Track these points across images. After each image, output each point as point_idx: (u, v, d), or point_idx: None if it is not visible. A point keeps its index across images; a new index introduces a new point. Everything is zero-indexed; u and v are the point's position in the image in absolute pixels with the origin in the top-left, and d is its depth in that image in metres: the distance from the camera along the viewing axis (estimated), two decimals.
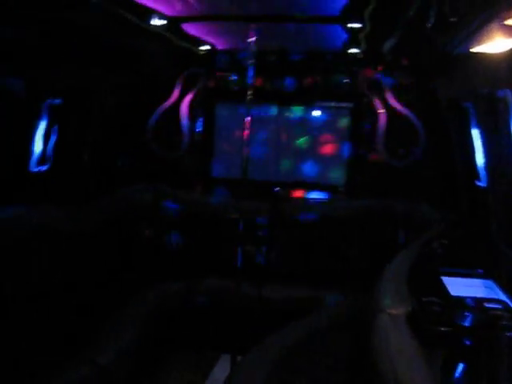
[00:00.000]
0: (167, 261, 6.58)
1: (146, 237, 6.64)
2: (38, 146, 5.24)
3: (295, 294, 6.15)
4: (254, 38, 5.37)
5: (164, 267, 6.43)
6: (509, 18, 2.39)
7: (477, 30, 2.71)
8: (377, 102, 6.80)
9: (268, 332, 4.62)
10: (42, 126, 5.21)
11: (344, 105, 7.04)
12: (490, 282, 3.82)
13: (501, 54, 3.14)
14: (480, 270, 4.02)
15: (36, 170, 5.30)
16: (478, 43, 3.00)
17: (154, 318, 5.68)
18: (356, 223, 6.58)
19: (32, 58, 4.75)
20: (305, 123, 7.18)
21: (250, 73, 5.57)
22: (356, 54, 6.10)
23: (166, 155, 7.26)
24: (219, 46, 6.41)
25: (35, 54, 4.74)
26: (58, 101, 5.33)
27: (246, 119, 5.69)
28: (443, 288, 3.62)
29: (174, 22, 5.11)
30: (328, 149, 7.12)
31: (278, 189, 7.27)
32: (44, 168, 5.39)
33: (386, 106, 6.78)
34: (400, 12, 3.62)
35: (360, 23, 4.55)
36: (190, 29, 5.52)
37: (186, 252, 6.70)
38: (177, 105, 7.18)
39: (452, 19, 2.67)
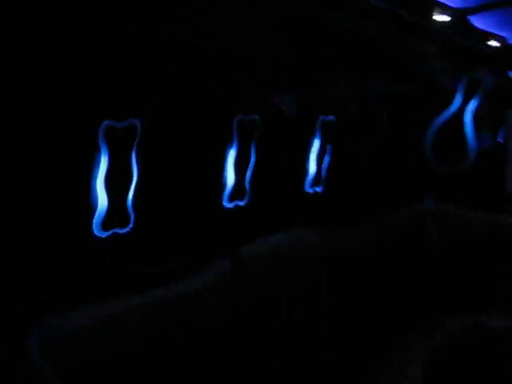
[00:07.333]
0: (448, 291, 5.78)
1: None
2: (312, 165, 5.00)
3: None
4: None
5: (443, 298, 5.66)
6: None
7: None
8: None
9: None
10: (315, 145, 4.96)
11: None
12: None
13: None
14: None
15: (310, 190, 5.07)
16: None
17: (438, 356, 4.98)
18: None
19: (301, 75, 4.53)
20: None
21: None
22: None
23: (446, 170, 6.47)
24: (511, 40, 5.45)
25: (304, 71, 4.52)
26: (330, 117, 5.03)
27: None
28: None
29: (460, 16, 4.41)
30: None
31: None
32: (318, 189, 5.13)
33: None
34: None
35: None
36: (478, 22, 4.74)
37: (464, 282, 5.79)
38: (458, 114, 6.37)
39: None
